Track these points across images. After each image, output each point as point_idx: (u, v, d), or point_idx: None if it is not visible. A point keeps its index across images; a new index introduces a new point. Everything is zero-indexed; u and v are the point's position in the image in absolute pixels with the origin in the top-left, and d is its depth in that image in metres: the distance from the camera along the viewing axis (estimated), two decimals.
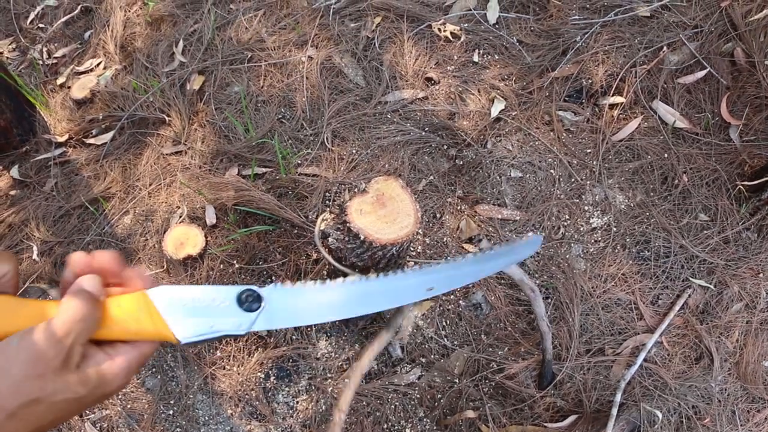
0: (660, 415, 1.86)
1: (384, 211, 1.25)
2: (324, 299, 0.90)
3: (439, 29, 2.60)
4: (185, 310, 0.74)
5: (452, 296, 2.11)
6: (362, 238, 1.17)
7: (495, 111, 2.39)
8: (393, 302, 0.99)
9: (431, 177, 2.29)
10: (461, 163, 2.31)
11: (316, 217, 2.11)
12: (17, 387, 0.59)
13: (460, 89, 2.48)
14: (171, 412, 2.05)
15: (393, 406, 1.98)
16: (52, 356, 0.60)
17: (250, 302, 0.79)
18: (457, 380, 2.00)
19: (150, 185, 2.39)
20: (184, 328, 0.73)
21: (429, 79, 2.52)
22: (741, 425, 1.95)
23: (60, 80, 2.84)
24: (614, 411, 1.81)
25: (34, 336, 0.61)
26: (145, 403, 2.06)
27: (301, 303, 0.87)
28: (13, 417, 0.59)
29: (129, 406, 2.05)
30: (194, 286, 0.76)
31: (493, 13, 2.64)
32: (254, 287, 0.81)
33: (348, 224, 1.22)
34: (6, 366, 0.59)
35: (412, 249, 2.15)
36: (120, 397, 2.06)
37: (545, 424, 1.91)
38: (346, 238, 1.31)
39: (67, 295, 0.66)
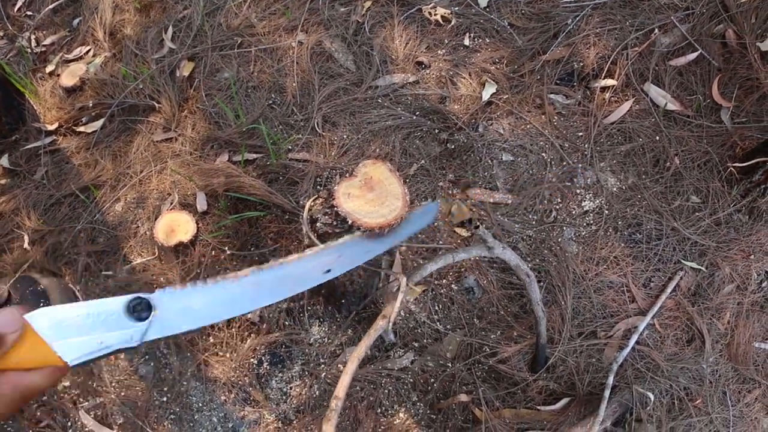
0: (652, 397, 1.87)
1: (372, 195, 1.25)
2: (218, 297, 0.88)
3: (430, 13, 2.58)
4: (70, 329, 0.70)
5: (444, 280, 2.11)
6: (350, 222, 1.16)
7: (486, 94, 2.38)
8: (291, 289, 0.98)
9: (422, 161, 2.28)
10: (452, 147, 2.30)
11: (302, 206, 2.11)
12: None
13: (451, 73, 2.46)
14: (164, 398, 2.05)
15: (386, 391, 1.98)
16: None
17: (139, 311, 0.77)
18: (450, 364, 2.00)
19: (141, 172, 2.38)
20: (71, 349, 0.69)
21: (420, 63, 2.51)
22: (732, 406, 1.96)
23: (49, 68, 2.82)
24: (607, 393, 1.82)
25: None
26: (138, 390, 2.06)
27: (195, 304, 0.85)
28: None
29: (123, 394, 2.05)
30: (78, 303, 0.72)
31: None
32: (143, 294, 0.78)
33: (336, 208, 1.22)
34: None
35: None
36: (113, 384, 2.06)
37: (538, 407, 1.92)
38: (334, 222, 1.31)
39: None
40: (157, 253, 2.22)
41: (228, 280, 0.89)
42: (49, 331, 0.68)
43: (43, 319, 0.68)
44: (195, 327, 0.85)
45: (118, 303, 0.75)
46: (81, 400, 2.06)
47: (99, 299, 0.73)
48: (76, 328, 0.70)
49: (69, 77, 2.69)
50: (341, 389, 1.20)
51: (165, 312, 0.79)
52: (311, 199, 1.38)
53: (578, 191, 2.23)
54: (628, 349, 1.95)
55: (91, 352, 0.70)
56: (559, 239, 2.15)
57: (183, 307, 0.83)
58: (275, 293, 0.95)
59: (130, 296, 0.76)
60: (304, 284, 0.98)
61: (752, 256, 2.10)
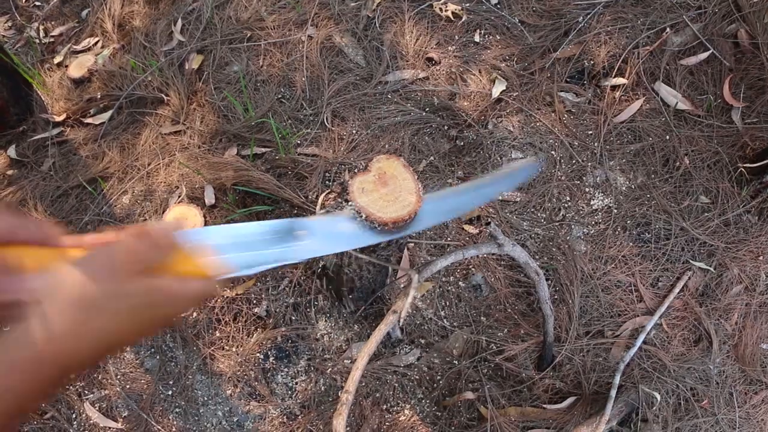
0: (658, 397, 1.87)
1: (386, 190, 1.24)
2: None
3: (441, 9, 2.57)
4: (229, 246, 0.76)
5: (452, 277, 2.11)
6: (364, 216, 1.15)
7: (496, 92, 2.37)
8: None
9: (432, 158, 2.27)
10: (462, 143, 2.30)
11: (316, 198, 2.11)
12: (87, 284, 0.61)
13: (461, 69, 2.46)
14: (170, 392, 2.05)
15: (392, 387, 1.98)
16: (116, 265, 0.63)
17: (290, 234, 0.84)
18: (456, 361, 2.00)
19: (149, 165, 2.37)
20: (228, 263, 0.74)
21: (430, 59, 2.50)
22: (738, 407, 1.95)
23: (57, 59, 2.81)
24: (613, 393, 1.82)
25: (100, 251, 0.65)
26: (144, 383, 2.06)
27: (337, 230, 0.99)
28: (87, 312, 0.60)
29: (128, 387, 2.05)
30: (237, 224, 0.79)
31: None
32: (296, 219, 0.87)
33: (350, 203, 1.21)
34: (75, 269, 0.62)
35: None
36: (119, 377, 2.06)
37: (544, 406, 1.92)
38: None
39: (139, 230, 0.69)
40: None
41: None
42: (211, 245, 0.74)
43: (205, 234, 0.75)
44: (337, 250, 0.98)
45: (272, 225, 0.82)
46: (86, 392, 2.06)
47: (257, 222, 0.80)
48: (234, 245, 0.76)
49: (77, 68, 2.68)
50: (352, 383, 1.19)
51: (312, 236, 0.88)
52: (324, 194, 1.37)
53: (587, 190, 2.23)
54: (635, 348, 1.94)
55: (235, 269, 0.76)
56: (568, 238, 2.14)
57: (327, 233, 0.94)
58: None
59: (284, 220, 0.83)
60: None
61: (761, 257, 2.09)
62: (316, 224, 0.91)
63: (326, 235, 0.93)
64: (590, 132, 2.32)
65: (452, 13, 2.56)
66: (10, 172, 2.50)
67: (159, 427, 1.99)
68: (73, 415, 2.03)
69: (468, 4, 2.60)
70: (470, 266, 2.12)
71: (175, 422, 2.01)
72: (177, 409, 2.02)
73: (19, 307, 0.62)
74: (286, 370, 2.05)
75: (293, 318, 2.08)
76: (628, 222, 2.17)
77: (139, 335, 0.66)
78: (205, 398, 2.03)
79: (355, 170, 2.20)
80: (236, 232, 0.79)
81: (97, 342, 0.62)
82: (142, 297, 0.64)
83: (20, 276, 0.64)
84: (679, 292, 2.05)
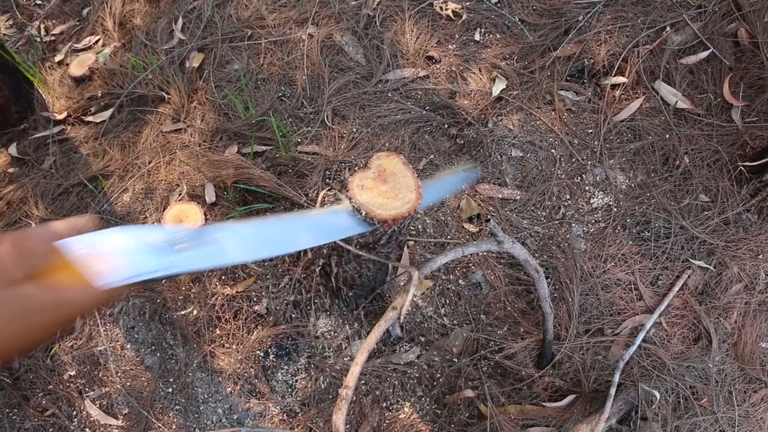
0: (658, 395, 1.87)
1: (385, 187, 1.24)
2: (251, 236, 0.93)
3: (441, 7, 2.57)
4: (104, 255, 0.71)
5: (452, 275, 2.11)
6: (363, 213, 1.16)
7: (496, 90, 2.38)
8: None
9: (432, 156, 2.28)
10: (462, 142, 2.30)
11: (316, 196, 2.11)
12: None
13: (462, 68, 2.46)
14: (170, 389, 2.05)
15: (392, 385, 1.98)
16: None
17: (173, 244, 0.78)
18: (456, 359, 2.00)
19: (149, 163, 2.38)
20: (104, 273, 0.70)
21: (430, 58, 2.51)
22: (738, 405, 1.95)
23: (58, 57, 2.82)
24: (612, 391, 1.82)
25: None
26: (144, 380, 2.06)
27: (231, 240, 0.88)
28: None
29: (128, 384, 2.05)
30: (113, 229, 0.73)
31: None
32: (178, 227, 0.80)
33: (350, 200, 1.22)
34: None
35: (412, 228, 2.14)
36: (119, 374, 2.07)
37: (544, 404, 1.92)
38: None
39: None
40: None
41: (262, 221, 0.93)
42: (84, 254, 0.69)
43: (77, 244, 0.69)
44: (222, 263, 0.87)
45: (153, 232, 0.77)
46: (86, 389, 2.06)
47: (133, 226, 0.76)
48: (109, 254, 0.71)
49: (78, 67, 2.69)
50: (351, 379, 1.20)
51: (196, 246, 0.81)
52: (324, 191, 1.38)
53: (587, 188, 2.23)
54: (635, 347, 1.94)
55: (122, 278, 0.71)
56: (568, 236, 2.14)
57: (217, 243, 0.85)
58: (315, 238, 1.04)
59: (165, 227, 0.78)
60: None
61: (761, 256, 2.10)
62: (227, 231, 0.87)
63: (241, 241, 0.89)
64: (590, 130, 2.33)
65: (452, 11, 2.57)
66: (11, 170, 2.51)
67: (159, 425, 2.00)
68: (74, 413, 2.03)
69: (468, 3, 2.61)
70: (470, 264, 2.13)
71: (175, 419, 2.01)
72: (177, 407, 2.03)
73: None
74: (286, 367, 2.05)
75: (293, 316, 2.09)
76: (628, 220, 2.17)
77: (14, 346, 0.63)
78: (206, 396, 2.03)
79: (356, 168, 2.20)
80: (137, 235, 0.75)
81: None
82: (8, 306, 0.61)
83: None
84: (678, 291, 2.06)
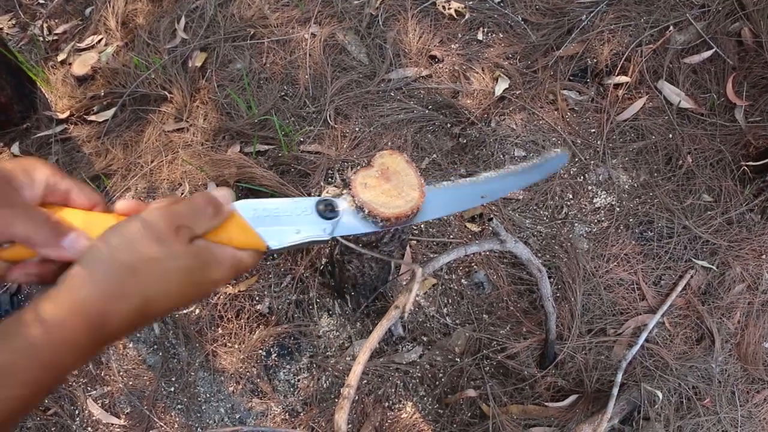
0: (660, 395, 1.86)
1: (389, 185, 1.24)
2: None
3: (444, 7, 2.57)
4: (270, 220, 0.78)
5: (454, 275, 2.11)
6: (366, 211, 1.16)
7: (499, 89, 2.37)
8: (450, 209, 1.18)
9: (434, 155, 2.27)
10: (465, 141, 2.30)
11: (319, 195, 2.10)
12: (135, 245, 0.63)
13: (464, 67, 2.46)
14: (172, 389, 2.05)
15: (394, 385, 1.98)
16: (165, 227, 0.65)
17: (327, 211, 0.86)
18: (458, 359, 2.00)
19: (152, 162, 2.38)
20: (273, 236, 0.77)
21: (433, 57, 2.50)
22: (741, 405, 1.95)
23: (61, 57, 2.82)
24: (615, 391, 1.81)
25: (149, 213, 0.66)
26: (146, 379, 2.06)
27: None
28: (135, 272, 0.62)
29: (130, 383, 2.06)
30: (273, 199, 0.80)
31: None
32: (329, 197, 0.89)
33: (352, 198, 1.21)
34: (124, 230, 0.64)
35: (415, 227, 2.14)
36: (121, 373, 2.07)
37: (546, 404, 1.92)
38: None
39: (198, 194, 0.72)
40: None
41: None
42: (254, 219, 0.77)
43: (247, 209, 0.77)
44: (372, 230, 1.01)
45: (309, 202, 0.85)
46: (89, 388, 2.06)
47: (290, 198, 0.83)
48: (276, 219, 0.79)
49: (81, 66, 2.69)
50: (353, 378, 1.19)
51: (347, 213, 0.93)
52: (327, 189, 1.37)
53: (590, 188, 2.23)
54: (638, 346, 1.94)
55: (290, 240, 0.79)
56: (570, 236, 2.14)
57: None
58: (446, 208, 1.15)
59: (317, 198, 0.86)
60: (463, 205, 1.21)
61: (764, 256, 2.09)
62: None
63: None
64: (593, 130, 2.32)
65: (455, 11, 2.56)
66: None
67: (161, 424, 2.00)
68: (76, 411, 2.03)
69: (471, 2, 2.60)
70: (473, 264, 2.12)
71: (177, 419, 2.01)
72: (179, 406, 2.03)
73: (66, 265, 0.63)
74: (288, 367, 2.05)
75: (296, 315, 2.08)
76: (631, 220, 2.16)
77: (182, 299, 0.67)
78: (208, 395, 2.03)
79: (358, 166, 2.20)
80: (296, 203, 0.83)
81: (140, 304, 0.63)
82: (190, 260, 0.66)
83: (69, 236, 0.66)
84: (681, 291, 2.05)
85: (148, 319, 0.65)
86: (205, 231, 0.70)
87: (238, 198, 0.78)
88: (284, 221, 0.80)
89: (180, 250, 0.65)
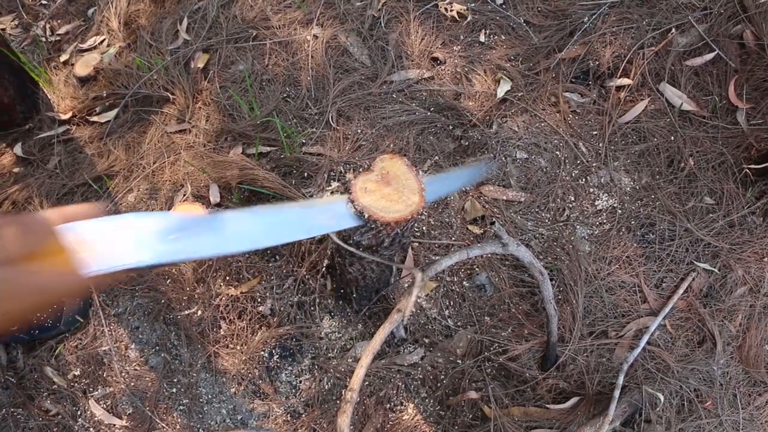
0: (662, 398, 1.86)
1: (389, 190, 1.24)
2: (237, 229, 0.92)
3: (446, 9, 2.57)
4: (94, 242, 0.72)
5: (456, 277, 2.11)
6: (366, 216, 1.16)
7: (501, 92, 2.38)
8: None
9: (436, 157, 2.28)
10: (467, 143, 2.30)
11: (320, 196, 2.11)
12: None
13: (466, 69, 2.46)
14: (174, 390, 2.05)
15: (396, 386, 1.98)
16: None
17: (165, 233, 0.79)
18: (459, 361, 2.00)
19: (154, 163, 2.38)
20: (91, 260, 0.71)
21: (435, 59, 2.51)
22: (742, 408, 1.95)
23: (63, 57, 2.82)
24: (616, 393, 1.81)
25: None
26: (148, 381, 2.07)
27: (226, 231, 0.89)
28: None
29: (132, 384, 2.06)
30: (108, 217, 0.74)
31: None
32: (172, 215, 0.82)
33: (353, 203, 1.22)
34: None
35: (416, 230, 2.14)
36: (123, 374, 2.07)
37: (547, 406, 1.92)
38: None
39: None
40: None
41: (249, 211, 0.93)
42: (77, 240, 0.70)
43: (74, 230, 0.71)
44: (218, 253, 0.88)
45: (150, 220, 0.78)
46: (91, 389, 2.07)
47: (135, 213, 0.76)
48: (101, 241, 0.72)
49: (83, 67, 2.69)
50: (356, 381, 1.20)
51: (191, 235, 0.82)
52: (328, 193, 1.38)
53: (592, 190, 2.23)
54: (639, 349, 1.94)
55: (107, 266, 0.72)
56: (572, 238, 2.14)
57: (214, 233, 0.87)
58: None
59: (158, 214, 0.79)
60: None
61: (766, 259, 2.09)
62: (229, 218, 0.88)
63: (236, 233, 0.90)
64: (595, 132, 2.32)
65: (457, 12, 2.57)
66: (16, 170, 2.51)
67: (163, 425, 2.00)
68: (78, 412, 2.04)
69: (473, 4, 2.61)
70: (474, 266, 2.13)
71: (179, 420, 2.01)
72: (181, 407, 2.03)
73: None
74: (290, 368, 2.06)
75: (297, 317, 2.09)
76: (633, 223, 2.16)
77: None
78: (210, 396, 2.04)
79: (360, 170, 2.20)
80: (134, 223, 0.76)
81: None
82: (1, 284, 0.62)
83: None
84: (683, 293, 2.05)
85: None
86: (23, 253, 0.66)
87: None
88: (113, 242, 0.74)
89: None
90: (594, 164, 2.26)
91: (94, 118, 2.58)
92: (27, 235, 0.66)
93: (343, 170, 2.24)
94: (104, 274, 0.72)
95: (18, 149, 2.54)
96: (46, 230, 0.68)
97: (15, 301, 0.63)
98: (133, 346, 2.12)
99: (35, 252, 0.67)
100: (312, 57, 2.51)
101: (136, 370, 2.09)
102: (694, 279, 2.07)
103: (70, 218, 0.72)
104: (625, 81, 2.37)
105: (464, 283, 2.10)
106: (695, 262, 2.09)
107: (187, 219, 0.83)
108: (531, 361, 1.98)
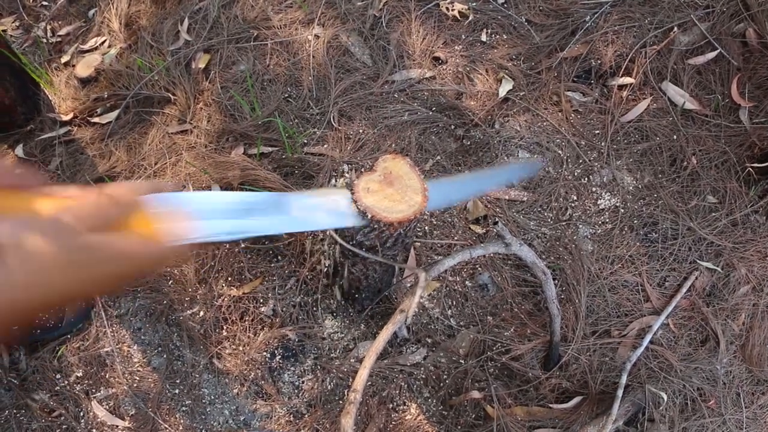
0: (665, 397, 1.86)
1: (391, 190, 1.24)
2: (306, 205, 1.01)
3: (447, 8, 2.57)
4: (188, 214, 0.76)
5: (458, 277, 2.11)
6: (369, 216, 1.16)
7: (503, 91, 2.37)
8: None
9: (438, 157, 2.27)
10: (469, 143, 2.30)
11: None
12: (59, 236, 0.60)
13: (468, 69, 2.46)
14: (177, 391, 2.05)
15: (398, 386, 1.98)
16: (81, 219, 0.63)
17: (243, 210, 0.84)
18: (462, 361, 2.00)
19: (155, 164, 2.38)
20: (174, 231, 0.74)
21: (436, 59, 2.50)
22: (745, 407, 1.95)
23: (64, 58, 2.82)
24: (619, 392, 1.81)
25: (73, 206, 0.64)
26: (150, 382, 2.06)
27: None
28: (55, 264, 0.60)
29: (135, 385, 2.06)
30: (186, 192, 0.79)
31: None
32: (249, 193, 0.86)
33: (355, 203, 1.21)
34: (55, 220, 0.62)
35: (419, 229, 2.14)
36: (126, 375, 2.07)
37: (551, 405, 1.92)
38: None
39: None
40: None
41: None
42: (166, 212, 0.73)
43: (158, 202, 0.73)
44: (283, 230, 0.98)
45: (220, 197, 0.82)
46: (93, 390, 2.07)
47: (211, 192, 0.81)
48: (184, 213, 0.76)
49: (84, 68, 2.69)
50: (359, 382, 1.19)
51: (261, 213, 0.89)
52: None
53: (594, 189, 2.22)
54: (642, 348, 1.94)
55: (190, 237, 0.75)
56: (575, 237, 2.14)
57: (280, 212, 0.94)
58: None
59: (231, 192, 0.84)
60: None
61: None
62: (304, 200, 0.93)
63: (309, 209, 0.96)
64: (597, 131, 2.32)
65: (459, 12, 2.56)
66: (18, 172, 2.51)
67: (166, 426, 2.00)
68: (81, 413, 2.04)
69: (475, 4, 2.60)
70: (477, 266, 2.12)
71: (181, 421, 2.01)
72: (184, 408, 2.03)
73: None
74: (292, 369, 2.05)
75: (300, 317, 2.09)
76: (635, 222, 2.16)
77: (86, 291, 0.65)
78: (212, 397, 2.03)
79: (362, 170, 2.20)
80: (216, 199, 0.80)
81: (48, 294, 0.61)
82: (89, 252, 0.63)
83: None
84: (686, 292, 2.05)
85: (52, 305, 0.63)
86: (112, 222, 0.67)
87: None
88: (196, 214, 0.77)
89: (82, 243, 0.63)
90: (596, 163, 2.26)
91: (96, 119, 2.58)
92: (116, 205, 0.68)
93: (346, 169, 2.23)
94: (183, 245, 0.75)
95: (19, 150, 2.54)
96: (132, 201, 0.70)
97: (108, 265, 0.65)
98: (135, 347, 2.12)
99: (123, 222, 0.69)
100: (313, 57, 2.51)
101: (138, 371, 2.09)
102: (697, 278, 2.07)
103: (147, 193, 0.74)
104: (628, 80, 2.37)
105: (467, 282, 2.10)
106: (698, 261, 2.08)
107: (257, 198, 0.89)
108: (534, 360, 1.98)
